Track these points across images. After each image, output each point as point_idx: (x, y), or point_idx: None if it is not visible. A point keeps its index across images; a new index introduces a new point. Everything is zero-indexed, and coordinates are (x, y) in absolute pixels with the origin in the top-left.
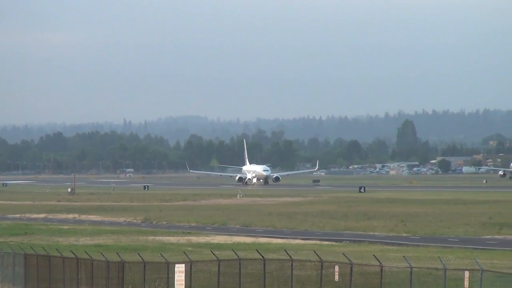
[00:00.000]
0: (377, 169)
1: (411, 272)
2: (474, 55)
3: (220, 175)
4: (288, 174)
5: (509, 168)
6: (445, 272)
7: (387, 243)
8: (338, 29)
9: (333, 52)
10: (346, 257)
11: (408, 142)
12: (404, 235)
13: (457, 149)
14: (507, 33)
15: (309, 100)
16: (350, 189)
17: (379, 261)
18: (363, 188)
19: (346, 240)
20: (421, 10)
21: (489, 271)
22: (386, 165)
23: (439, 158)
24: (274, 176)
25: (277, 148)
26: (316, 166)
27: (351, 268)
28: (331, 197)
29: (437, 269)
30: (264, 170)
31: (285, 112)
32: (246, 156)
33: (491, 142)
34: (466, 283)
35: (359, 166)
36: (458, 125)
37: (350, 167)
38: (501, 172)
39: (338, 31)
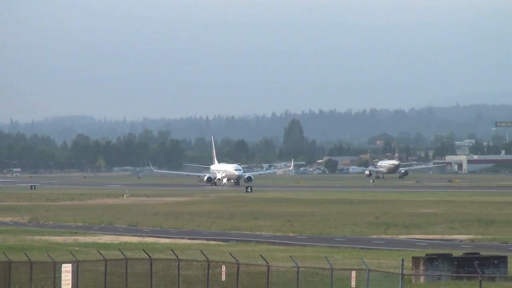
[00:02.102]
0: (264, 169)
1: (298, 271)
2: (359, 57)
3: (187, 175)
4: (260, 174)
5: (375, 167)
6: (332, 271)
7: (274, 243)
8: (228, 30)
9: (221, 53)
10: (233, 257)
11: (295, 142)
12: (291, 234)
13: (343, 149)
14: (391, 35)
15: (195, 100)
16: (237, 188)
17: (266, 260)
18: (249, 188)
19: (233, 240)
20: (300, 12)
21: (376, 270)
22: (273, 165)
23: (325, 158)
24: (246, 176)
25: (164, 148)
26: (291, 164)
27: (238, 268)
28: (218, 196)
29: (324, 268)
30: (236, 170)
31: (171, 112)
32: (214, 155)
33: (378, 142)
34: (353, 283)
35: (246, 165)
36: (345, 124)
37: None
38: (367, 172)
39: (228, 33)
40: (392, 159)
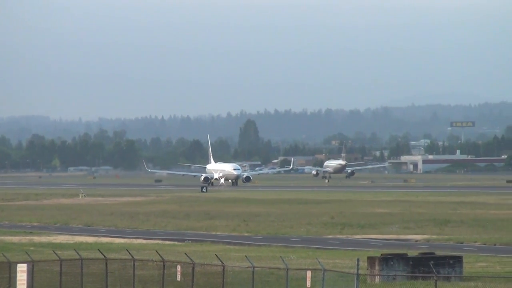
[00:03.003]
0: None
1: (253, 271)
2: (315, 57)
3: (183, 175)
4: (259, 174)
5: (321, 167)
6: (287, 271)
7: (229, 243)
8: (183, 30)
9: (176, 53)
10: (188, 256)
11: (250, 141)
12: (246, 234)
13: (299, 149)
14: (347, 37)
15: (151, 100)
16: (192, 188)
17: (221, 260)
18: (205, 188)
19: (188, 239)
20: (254, 13)
21: (331, 270)
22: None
23: (281, 158)
24: (244, 176)
25: (119, 148)
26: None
27: (193, 268)
28: (173, 196)
29: (279, 268)
30: (234, 169)
31: (127, 112)
32: (211, 154)
33: (333, 142)
34: (308, 283)
35: (202, 165)
36: (300, 124)
37: (192, 167)
38: (314, 172)
39: (184, 33)
40: (344, 159)
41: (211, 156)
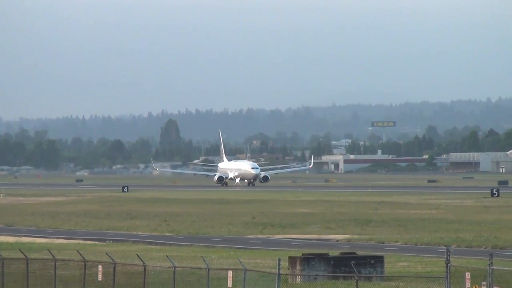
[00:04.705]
0: (141, 169)
1: (174, 271)
2: (234, 57)
3: (194, 174)
4: (276, 173)
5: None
6: (208, 271)
7: (150, 243)
8: (101, 30)
9: (96, 52)
10: (109, 256)
11: (171, 141)
12: (168, 234)
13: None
14: (261, 37)
15: (72, 99)
16: (113, 188)
17: (142, 260)
18: (126, 187)
19: (110, 239)
20: (170, 14)
21: (253, 270)
22: (149, 166)
23: (202, 158)
24: (262, 176)
25: (40, 148)
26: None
27: (114, 268)
28: (95, 196)
29: (200, 268)
30: (253, 168)
31: (48, 111)
32: (223, 151)
33: (255, 142)
34: (230, 283)
35: (122, 166)
36: (222, 124)
37: (113, 167)
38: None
39: (102, 33)
40: (250, 159)
41: (224, 154)
